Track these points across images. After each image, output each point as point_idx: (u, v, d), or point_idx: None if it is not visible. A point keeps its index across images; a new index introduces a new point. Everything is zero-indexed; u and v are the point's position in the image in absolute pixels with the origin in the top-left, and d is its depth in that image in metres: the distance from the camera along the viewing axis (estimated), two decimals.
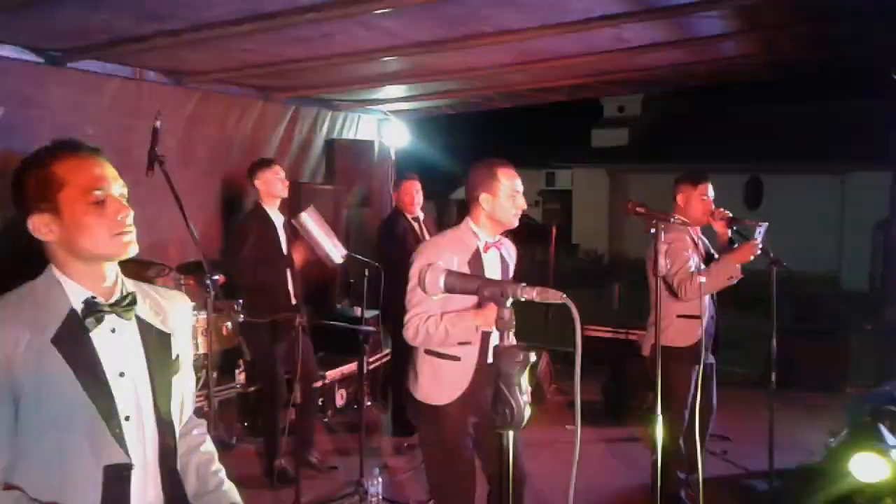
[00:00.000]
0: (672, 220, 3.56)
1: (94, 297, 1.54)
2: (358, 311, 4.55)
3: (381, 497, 4.17)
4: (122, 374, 1.55)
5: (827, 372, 6.57)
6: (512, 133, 24.76)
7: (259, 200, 4.61)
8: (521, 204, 3.00)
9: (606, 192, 22.69)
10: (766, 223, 3.98)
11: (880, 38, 4.95)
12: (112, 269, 1.60)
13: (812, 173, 18.85)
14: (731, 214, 4.16)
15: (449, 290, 1.51)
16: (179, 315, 1.73)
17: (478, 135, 21.77)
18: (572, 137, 25.29)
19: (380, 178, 7.43)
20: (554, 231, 5.25)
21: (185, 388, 1.74)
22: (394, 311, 5.23)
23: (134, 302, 1.59)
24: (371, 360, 5.96)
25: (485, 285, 1.46)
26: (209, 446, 1.80)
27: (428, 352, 3.00)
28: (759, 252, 3.92)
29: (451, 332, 2.82)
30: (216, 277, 3.05)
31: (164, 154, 3.14)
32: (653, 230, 3.21)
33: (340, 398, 5.88)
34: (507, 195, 2.96)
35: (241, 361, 5.16)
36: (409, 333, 2.92)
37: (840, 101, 19.21)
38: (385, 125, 7.85)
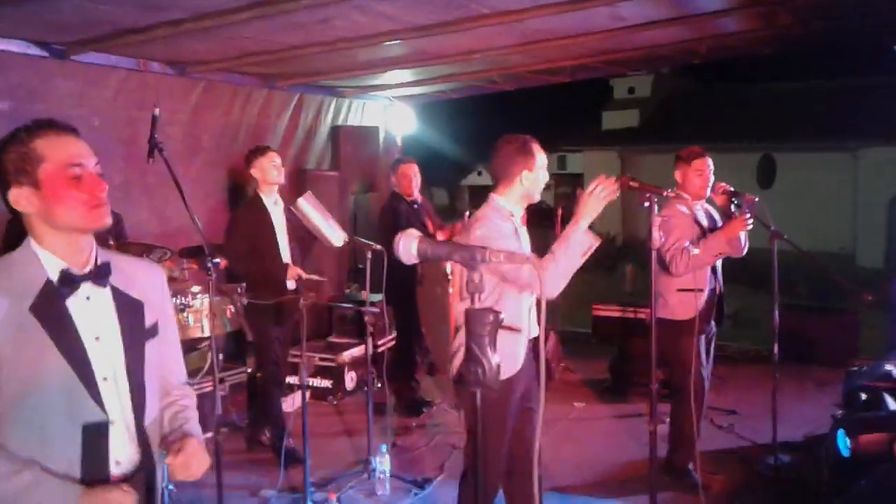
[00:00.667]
0: (665, 193, 3.57)
1: (68, 268, 1.63)
2: (365, 294, 4.59)
3: (388, 475, 4.25)
4: (97, 339, 1.65)
5: (838, 347, 6.58)
6: (522, 117, 24.57)
7: (256, 189, 4.66)
8: (547, 178, 3.11)
9: (618, 174, 22.34)
10: (757, 198, 3.99)
11: (881, 11, 4.91)
12: (87, 241, 1.69)
13: (825, 150, 18.68)
14: (731, 188, 4.18)
15: (421, 255, 1.56)
16: (152, 284, 1.82)
17: (486, 120, 21.72)
18: (583, 120, 25.25)
19: (386, 164, 7.43)
20: (559, 213, 5.28)
21: (166, 353, 1.83)
22: (397, 294, 5.31)
23: (108, 271, 1.68)
24: (380, 343, 6.02)
25: (454, 250, 1.51)
26: (186, 402, 1.89)
27: None
28: (749, 227, 3.93)
29: (568, 253, 2.76)
30: (217, 261, 3.11)
31: (165, 142, 3.21)
32: (646, 203, 3.23)
33: (350, 380, 5.95)
34: (540, 171, 3.04)
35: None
36: (550, 285, 2.76)
37: (853, 78, 19.01)
38: (390, 111, 7.88)
